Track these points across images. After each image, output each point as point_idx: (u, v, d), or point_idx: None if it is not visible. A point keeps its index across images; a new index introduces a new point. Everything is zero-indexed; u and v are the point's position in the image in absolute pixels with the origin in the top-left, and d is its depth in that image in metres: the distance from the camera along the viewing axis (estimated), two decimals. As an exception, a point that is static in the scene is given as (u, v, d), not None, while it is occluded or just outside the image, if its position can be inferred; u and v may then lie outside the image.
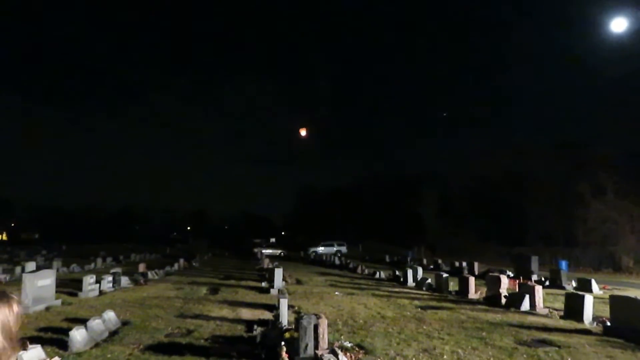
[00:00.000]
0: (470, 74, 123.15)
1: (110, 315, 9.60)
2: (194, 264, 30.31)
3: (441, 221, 53.02)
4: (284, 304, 9.79)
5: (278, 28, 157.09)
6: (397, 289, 17.91)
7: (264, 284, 17.58)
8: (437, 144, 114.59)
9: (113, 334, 8.85)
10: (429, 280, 18.75)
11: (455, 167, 57.51)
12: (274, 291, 15.51)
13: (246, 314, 11.53)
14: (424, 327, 9.99)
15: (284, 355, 7.02)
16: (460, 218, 50.76)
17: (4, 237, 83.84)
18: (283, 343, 7.46)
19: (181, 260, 28.19)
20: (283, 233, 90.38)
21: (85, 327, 8.17)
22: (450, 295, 16.07)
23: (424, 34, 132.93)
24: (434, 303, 14.00)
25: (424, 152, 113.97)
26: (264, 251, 43.27)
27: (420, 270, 21.47)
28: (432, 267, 30.29)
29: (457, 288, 16.74)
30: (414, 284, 19.43)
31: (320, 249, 47.12)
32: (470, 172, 53.00)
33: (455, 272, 24.20)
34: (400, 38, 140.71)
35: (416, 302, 13.97)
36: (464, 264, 27.90)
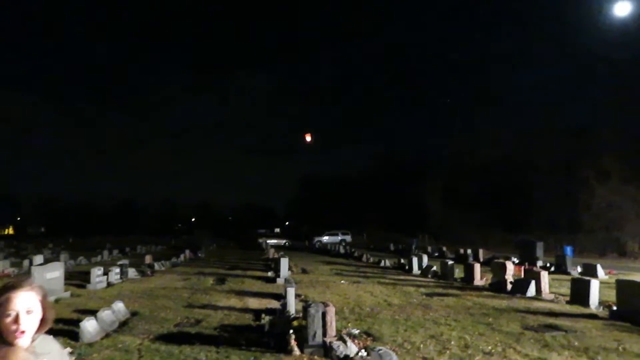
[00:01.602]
0: (473, 59, 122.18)
1: (119, 306, 9.69)
2: (199, 255, 30.50)
3: (445, 208, 53.00)
4: (291, 292, 9.85)
5: (279, 19, 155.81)
6: (402, 277, 17.99)
7: (270, 274, 17.68)
8: (440, 130, 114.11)
9: (123, 324, 8.94)
10: (434, 268, 18.81)
11: (459, 153, 57.27)
12: (280, 280, 15.59)
13: (253, 303, 11.62)
14: (431, 314, 10.04)
15: (293, 343, 7.09)
16: (464, 205, 50.70)
17: (11, 231, 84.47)
18: (291, 331, 7.52)
19: (187, 252, 28.36)
20: (287, 223, 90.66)
21: (96, 317, 8.25)
22: (455, 282, 16.12)
23: (427, 19, 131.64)
24: (439, 290, 14.05)
25: (427, 139, 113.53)
26: (268, 241, 43.46)
27: (425, 258, 21.54)
28: (437, 254, 30.36)
29: (462, 275, 16.78)
30: (419, 272, 19.49)
31: (325, 238, 47.27)
32: (473, 158, 52.84)
33: (460, 259, 24.25)
34: (402, 25, 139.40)
35: (422, 290, 14.02)
36: (469, 251, 27.95)
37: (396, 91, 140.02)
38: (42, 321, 1.68)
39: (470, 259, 24.73)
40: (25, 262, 20.59)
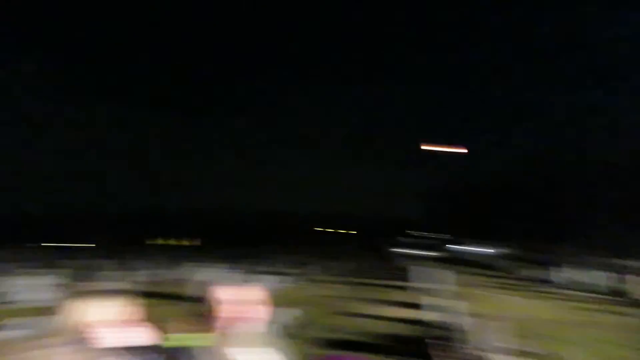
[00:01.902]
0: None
1: (276, 312, 10.65)
2: (337, 264, 31.28)
3: (596, 213, 46.85)
4: (436, 303, 9.94)
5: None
6: (553, 290, 16.83)
7: (408, 284, 17.71)
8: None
9: (281, 330, 9.77)
10: (589, 280, 17.25)
11: (601, 150, 50.34)
12: (421, 291, 15.57)
13: (398, 312, 11.82)
14: (588, 329, 9.36)
15: (442, 353, 7.25)
16: (619, 210, 44.32)
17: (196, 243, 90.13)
18: (440, 341, 7.70)
19: (324, 261, 29.38)
20: (424, 233, 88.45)
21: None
22: (613, 296, 14.60)
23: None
24: (596, 305, 12.90)
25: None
26: (407, 251, 43.19)
27: (578, 270, 19.80)
28: (591, 266, 27.22)
29: (621, 287, 15.10)
30: (572, 284, 18.00)
31: (465, 248, 45.50)
32: (621, 156, 46.14)
33: (618, 271, 21.45)
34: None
35: (576, 304, 13.00)
36: (630, 261, 24.42)
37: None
38: (255, 316, 2.06)
39: (633, 270, 21.79)
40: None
